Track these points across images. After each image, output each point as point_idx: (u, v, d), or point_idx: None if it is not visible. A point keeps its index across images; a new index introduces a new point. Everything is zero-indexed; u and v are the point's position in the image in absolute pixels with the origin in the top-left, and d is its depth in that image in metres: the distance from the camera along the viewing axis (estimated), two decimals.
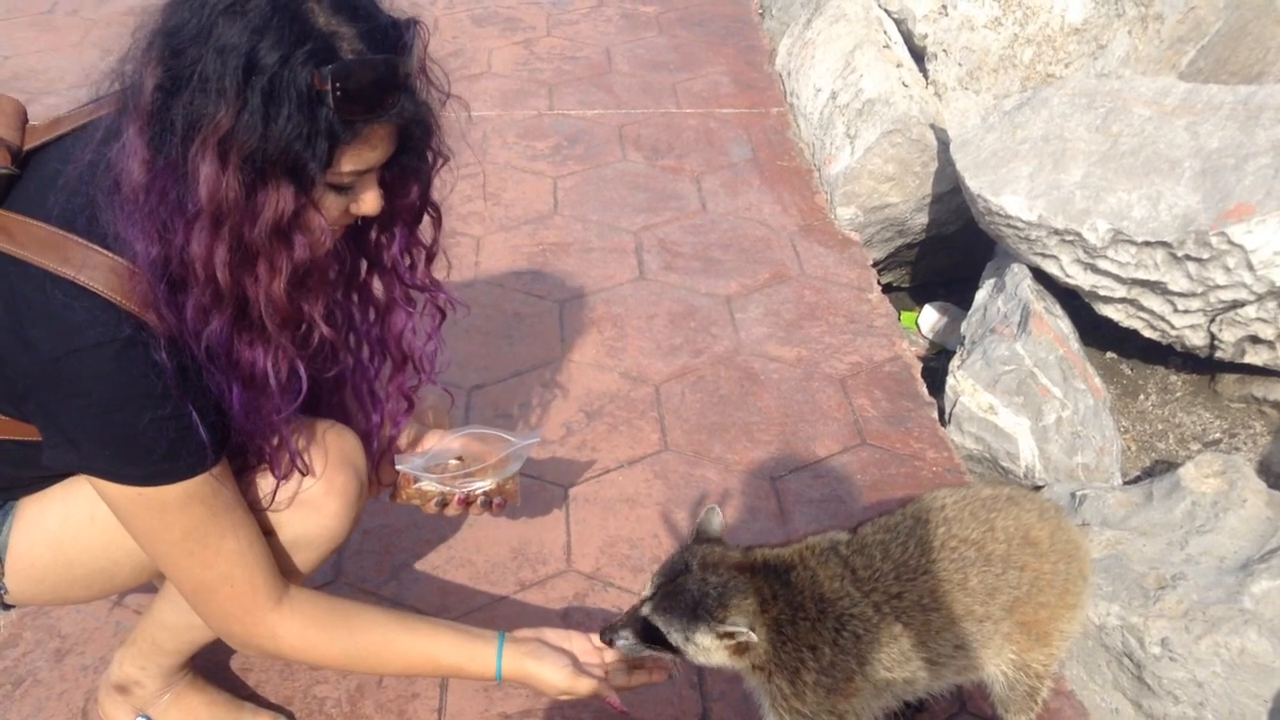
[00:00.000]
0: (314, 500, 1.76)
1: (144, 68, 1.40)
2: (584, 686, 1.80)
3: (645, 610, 1.74)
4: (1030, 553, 1.85)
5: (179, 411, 1.51)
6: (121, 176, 1.42)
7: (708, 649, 1.72)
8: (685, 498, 2.74)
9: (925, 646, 1.79)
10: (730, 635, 1.68)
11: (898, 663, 1.78)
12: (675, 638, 1.71)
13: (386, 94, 1.44)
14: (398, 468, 1.99)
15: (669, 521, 2.66)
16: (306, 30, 1.38)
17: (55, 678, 2.24)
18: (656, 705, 2.17)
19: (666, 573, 1.76)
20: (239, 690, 2.21)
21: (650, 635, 1.74)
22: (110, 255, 1.47)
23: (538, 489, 2.72)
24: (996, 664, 1.91)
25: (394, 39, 1.46)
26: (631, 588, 2.47)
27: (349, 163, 1.47)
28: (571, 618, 2.40)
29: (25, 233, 1.48)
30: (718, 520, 1.87)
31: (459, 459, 2.05)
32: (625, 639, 1.77)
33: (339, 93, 1.38)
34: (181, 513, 1.58)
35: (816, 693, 1.74)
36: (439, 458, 2.04)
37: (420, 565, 2.52)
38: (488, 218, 3.97)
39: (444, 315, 1.88)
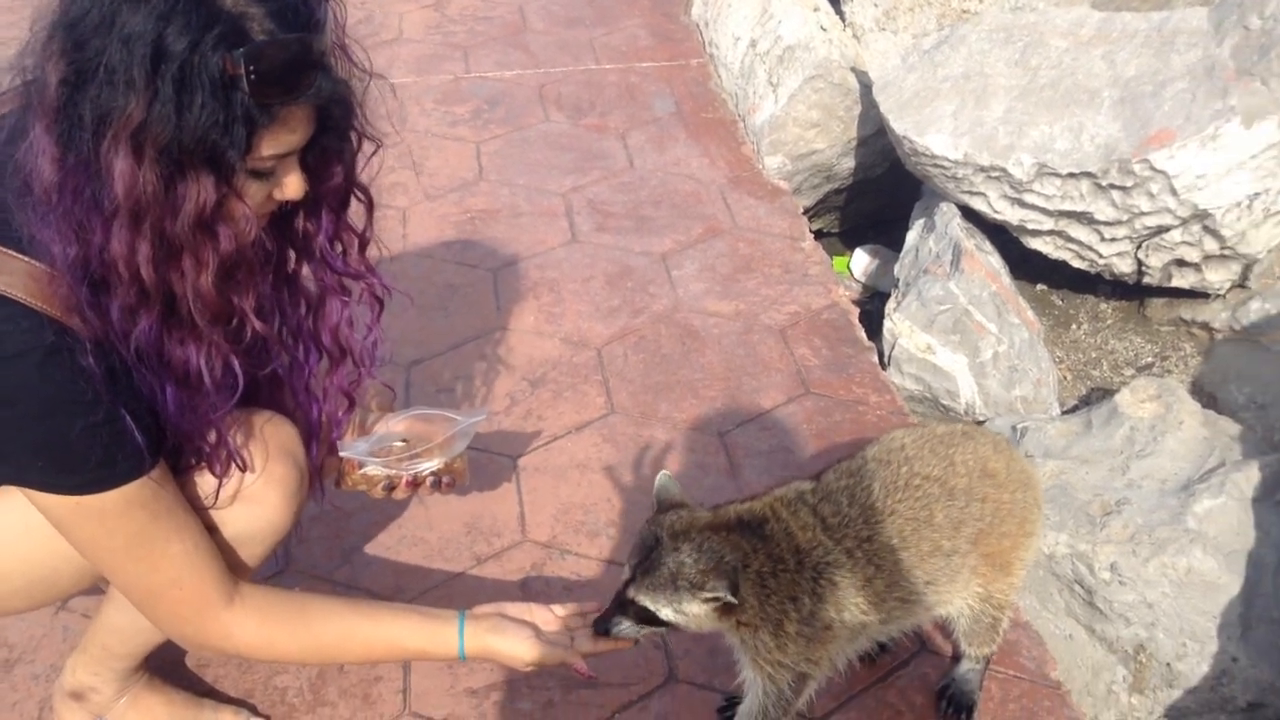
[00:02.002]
0: (254, 494, 1.72)
1: (46, 62, 1.34)
2: (550, 656, 1.79)
3: (630, 593, 1.72)
4: (990, 484, 1.88)
5: (111, 416, 1.46)
6: (32, 177, 1.36)
7: (698, 616, 1.71)
8: (635, 459, 2.73)
9: (898, 586, 1.82)
10: (716, 599, 1.67)
11: (874, 605, 1.80)
12: (665, 613, 1.71)
13: (302, 74, 1.39)
14: (341, 454, 1.95)
15: (621, 484, 2.66)
16: (214, 13, 1.32)
17: (5, 689, 2.19)
18: (623, 668, 2.18)
19: (640, 550, 1.75)
20: (197, 687, 2.17)
21: (642, 616, 1.73)
22: (27, 260, 1.41)
23: (486, 461, 2.70)
24: (963, 597, 1.94)
25: (305, 16, 1.40)
26: (589, 554, 2.47)
27: (268, 147, 1.42)
28: (531, 588, 2.39)
29: None
30: (674, 484, 1.86)
31: (404, 441, 2.02)
32: (620, 625, 1.75)
33: (253, 76, 1.33)
34: (122, 519, 1.54)
35: (798, 643, 1.75)
36: (383, 441, 2.01)
37: (372, 547, 2.49)
38: (412, 188, 3.91)
39: (382, 305, 1.83)
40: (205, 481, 1.68)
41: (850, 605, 1.78)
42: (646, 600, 1.72)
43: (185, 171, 1.36)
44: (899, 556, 1.81)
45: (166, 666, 2.14)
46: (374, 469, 1.98)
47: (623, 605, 1.76)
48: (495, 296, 3.36)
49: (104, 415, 1.46)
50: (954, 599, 1.94)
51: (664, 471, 1.89)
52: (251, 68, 1.33)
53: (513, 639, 1.79)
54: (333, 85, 1.45)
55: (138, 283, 1.40)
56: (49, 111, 1.34)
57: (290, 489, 1.76)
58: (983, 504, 1.87)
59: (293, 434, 1.78)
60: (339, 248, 1.72)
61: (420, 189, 3.90)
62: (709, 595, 1.67)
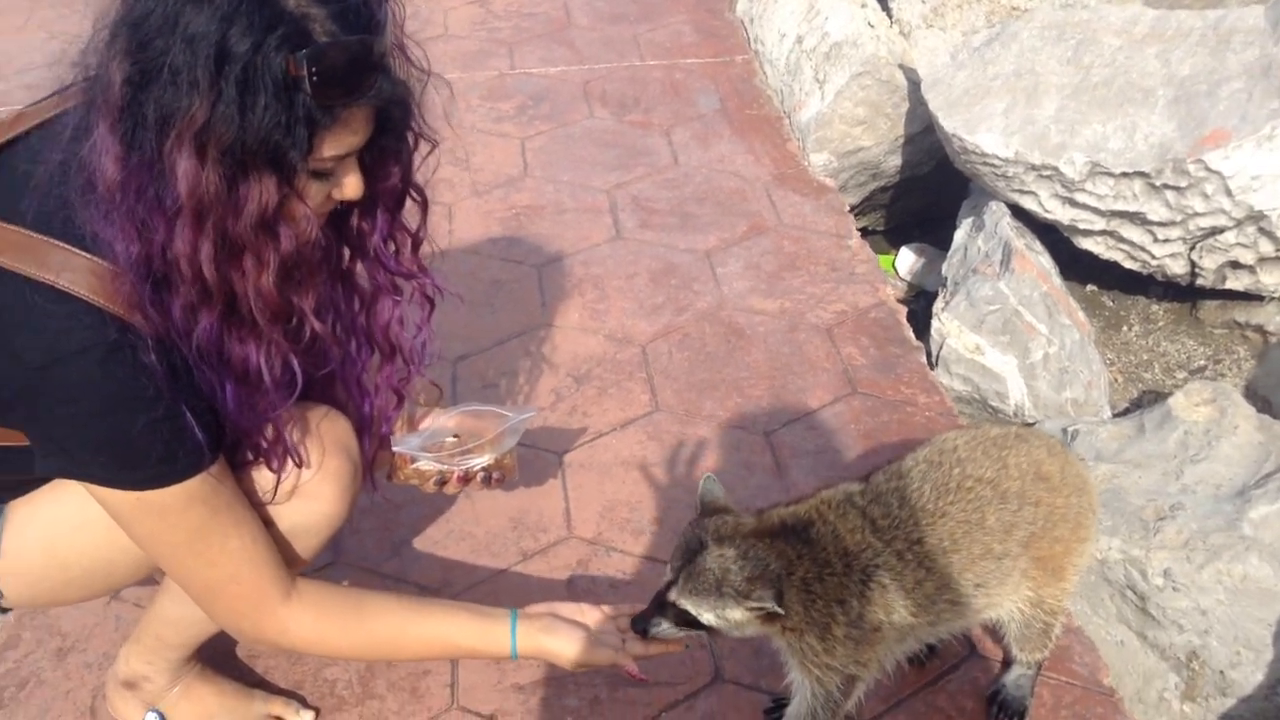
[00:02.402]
0: (310, 489, 1.73)
1: (110, 61, 1.34)
2: (601, 657, 1.79)
3: (672, 595, 1.72)
4: (1043, 488, 1.86)
5: (172, 413, 1.47)
6: (95, 175, 1.37)
7: (740, 622, 1.70)
8: (680, 457, 2.73)
9: (947, 589, 1.80)
10: (760, 608, 1.67)
11: (922, 607, 1.78)
12: (706, 618, 1.70)
13: (363, 75, 1.39)
14: (395, 449, 1.96)
15: (666, 482, 2.65)
16: (277, 14, 1.32)
17: (59, 677, 2.21)
18: (669, 667, 2.17)
19: (683, 552, 1.74)
20: (247, 678, 2.19)
21: (682, 619, 1.72)
22: (90, 257, 1.42)
23: (532, 457, 2.70)
24: (1014, 601, 1.92)
25: (367, 17, 1.40)
26: (634, 551, 2.46)
27: (330, 148, 1.43)
28: (576, 584, 2.39)
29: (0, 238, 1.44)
30: (719, 488, 1.85)
31: (455, 436, 2.03)
32: (659, 626, 1.74)
33: (315, 77, 1.33)
34: (183, 515, 1.55)
35: (846, 646, 1.74)
36: (435, 436, 2.02)
37: (420, 541, 2.50)
38: (458, 184, 3.92)
39: (433, 304, 1.84)
40: (262, 476, 1.68)
41: (899, 607, 1.77)
42: (688, 604, 1.71)
43: (248, 172, 1.37)
44: (950, 559, 1.79)
45: (218, 657, 2.16)
46: (426, 464, 1.98)
47: (662, 606, 1.75)
48: (540, 293, 3.36)
49: (165, 411, 1.47)
50: (1004, 602, 1.92)
51: (708, 474, 1.87)
52: (314, 69, 1.33)
53: (565, 639, 1.79)
54: (393, 86, 1.45)
55: (200, 281, 1.41)
56: (113, 110, 1.35)
57: (345, 483, 1.76)
58: (1036, 508, 1.85)
59: (347, 428, 1.79)
60: (392, 247, 1.73)
61: (466, 185, 3.91)
62: (754, 604, 1.66)
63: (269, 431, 1.62)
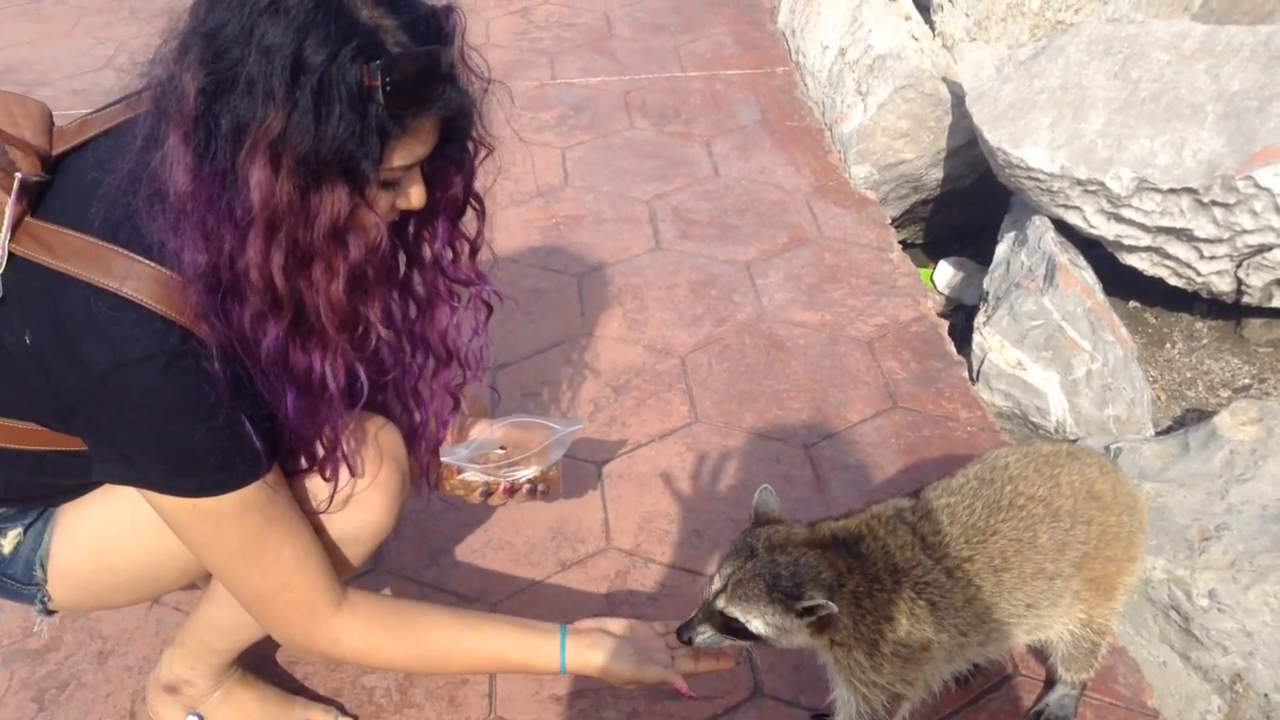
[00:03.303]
0: (360, 497, 1.73)
1: (184, 71, 1.35)
2: (650, 675, 1.78)
3: (720, 603, 1.71)
4: (1096, 506, 1.84)
5: (232, 421, 1.48)
6: (166, 185, 1.38)
7: (789, 630, 1.69)
8: (719, 470, 2.72)
9: (998, 608, 1.78)
10: (810, 611, 1.65)
11: (972, 626, 1.77)
12: (755, 625, 1.69)
13: (433, 85, 1.40)
14: (442, 460, 1.97)
15: (705, 494, 2.65)
16: (351, 25, 1.34)
17: (100, 680, 2.23)
18: (708, 682, 2.15)
19: (733, 560, 1.73)
20: (287, 683, 2.20)
21: (728, 627, 1.72)
22: (154, 265, 1.44)
23: (571, 467, 2.69)
24: (1064, 621, 1.90)
25: (436, 28, 1.42)
26: (673, 563, 2.46)
27: (399, 158, 1.44)
28: (615, 597, 2.38)
29: (65, 245, 1.45)
30: (773, 499, 1.84)
31: (502, 449, 2.04)
32: (704, 634, 1.74)
33: (388, 88, 1.34)
34: (238, 522, 1.56)
35: (893, 663, 1.72)
36: (482, 448, 2.03)
37: (459, 549, 2.51)
38: (498, 192, 3.87)
39: (490, 310, 1.84)
40: (315, 485, 1.69)
41: (949, 626, 1.75)
42: (737, 611, 1.70)
43: (320, 182, 1.38)
44: (1000, 578, 1.77)
45: (257, 662, 2.17)
46: (473, 475, 1.99)
47: (710, 615, 1.74)
48: (580, 302, 3.36)
49: (225, 420, 1.48)
50: (1055, 623, 1.90)
51: (765, 486, 1.86)
52: (387, 79, 1.34)
53: (614, 655, 1.78)
54: (460, 96, 1.46)
55: (270, 291, 1.42)
56: (186, 120, 1.35)
57: (394, 493, 1.77)
58: (1088, 526, 1.83)
59: (399, 439, 1.80)
60: (450, 254, 1.73)
61: (506, 194, 3.92)
62: (806, 605, 1.64)
63: (326, 440, 1.63)
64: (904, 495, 1.89)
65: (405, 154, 1.44)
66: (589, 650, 1.79)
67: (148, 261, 1.43)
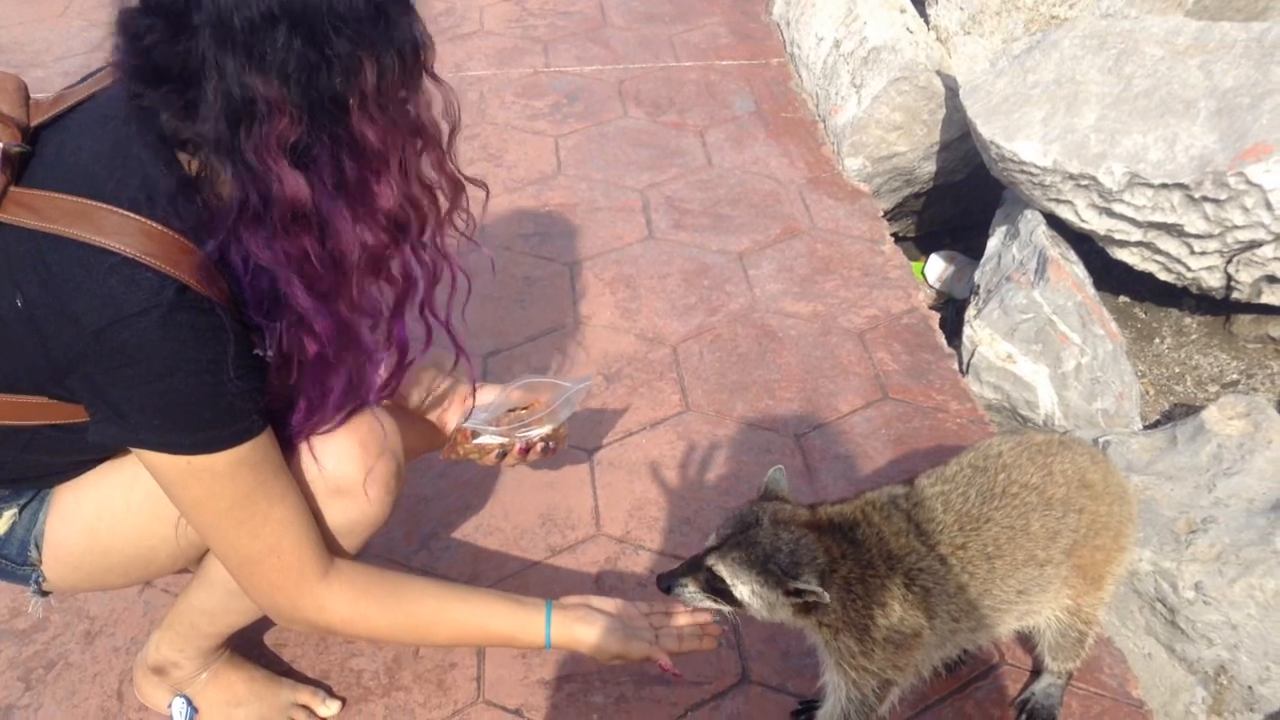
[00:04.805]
0: (355, 488, 1.74)
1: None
2: (635, 650, 1.79)
3: (711, 560, 1.72)
4: (1087, 495, 1.86)
5: (226, 377, 1.48)
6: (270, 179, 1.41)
7: (773, 604, 1.70)
8: (710, 458, 2.72)
9: (990, 594, 1.79)
10: (799, 593, 1.66)
11: (964, 613, 1.78)
12: (740, 590, 1.70)
13: None
14: (463, 425, 2.00)
15: (695, 482, 2.65)
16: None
17: (87, 660, 2.23)
18: (695, 665, 2.17)
19: (735, 524, 1.74)
20: (275, 665, 2.20)
21: (712, 585, 1.72)
22: (142, 219, 1.42)
23: (562, 453, 2.70)
24: (1052, 608, 1.92)
25: None
26: (663, 550, 2.46)
27: None
28: (604, 582, 2.39)
29: (53, 207, 1.43)
30: (784, 480, 1.85)
31: (512, 410, 2.07)
32: (685, 587, 1.75)
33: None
34: (231, 480, 1.55)
35: (885, 649, 1.73)
36: (495, 410, 2.05)
37: (449, 534, 2.51)
38: (491, 180, 3.92)
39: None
40: (310, 467, 1.69)
41: (941, 612, 1.76)
42: (725, 571, 1.71)
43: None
44: (992, 565, 1.78)
45: (246, 644, 2.17)
46: (489, 438, 2.01)
47: (695, 569, 1.75)
48: (571, 290, 3.36)
49: (220, 376, 1.47)
50: (1043, 610, 1.91)
51: (778, 466, 1.88)
52: None
53: (599, 630, 1.79)
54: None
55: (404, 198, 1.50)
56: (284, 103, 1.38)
57: (389, 482, 1.78)
58: (1079, 515, 1.84)
59: (393, 427, 1.79)
60: None
61: (499, 181, 3.92)
62: (793, 587, 1.66)
63: (328, 402, 1.63)
64: (898, 483, 1.90)
65: None
66: (574, 625, 1.80)
67: (136, 216, 1.42)
